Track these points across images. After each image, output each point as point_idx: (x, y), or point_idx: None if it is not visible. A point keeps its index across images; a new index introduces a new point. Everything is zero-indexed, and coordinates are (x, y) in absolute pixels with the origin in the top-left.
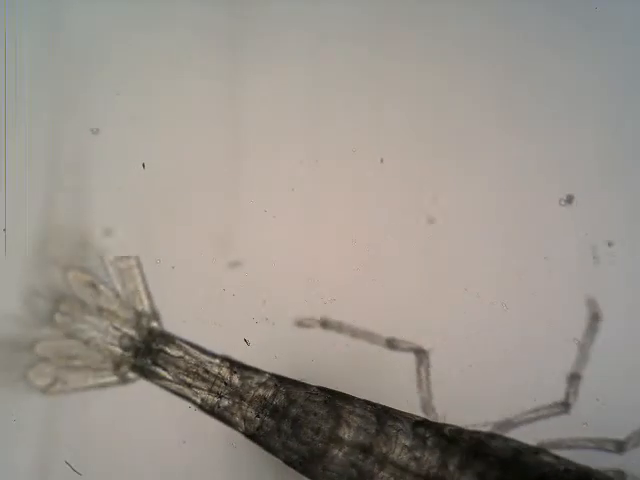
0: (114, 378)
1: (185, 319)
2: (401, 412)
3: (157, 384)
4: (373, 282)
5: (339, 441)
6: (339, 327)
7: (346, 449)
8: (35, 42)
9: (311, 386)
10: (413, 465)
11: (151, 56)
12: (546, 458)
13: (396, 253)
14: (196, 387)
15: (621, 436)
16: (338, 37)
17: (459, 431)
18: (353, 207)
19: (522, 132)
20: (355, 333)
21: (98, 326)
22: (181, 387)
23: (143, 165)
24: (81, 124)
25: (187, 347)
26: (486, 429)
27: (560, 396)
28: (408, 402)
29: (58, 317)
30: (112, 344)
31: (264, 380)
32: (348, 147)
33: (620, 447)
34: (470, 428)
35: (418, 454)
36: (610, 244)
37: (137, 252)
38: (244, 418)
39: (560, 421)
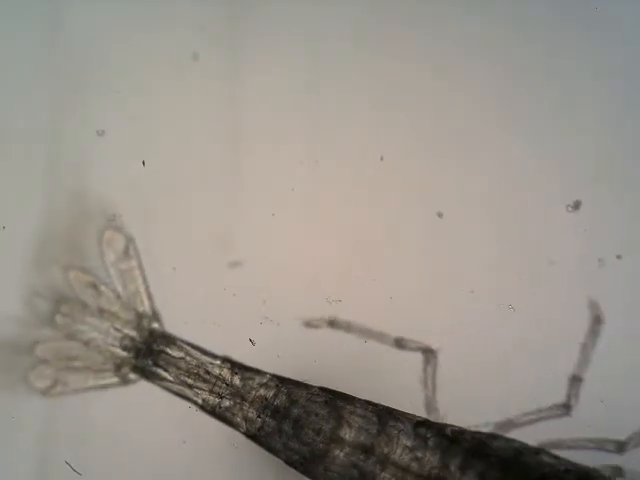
0: (115, 379)
1: (186, 320)
2: (402, 412)
3: (158, 385)
4: (373, 282)
5: (340, 441)
6: (347, 327)
7: (347, 449)
8: (35, 42)
9: (312, 386)
10: (414, 465)
11: (151, 56)
12: (546, 458)
13: (396, 253)
14: (197, 388)
15: (621, 436)
16: (338, 37)
17: (461, 431)
18: (353, 207)
19: (522, 132)
20: (363, 333)
21: (99, 327)
22: (182, 388)
23: (143, 162)
24: (81, 124)
25: (188, 348)
26: (487, 429)
27: (562, 398)
28: (412, 403)
29: (59, 318)
30: (113, 345)
31: (265, 381)
32: (348, 147)
33: (620, 447)
34: (472, 429)
35: (419, 454)
36: (618, 256)
37: (137, 252)
38: (245, 419)
39: (561, 421)
